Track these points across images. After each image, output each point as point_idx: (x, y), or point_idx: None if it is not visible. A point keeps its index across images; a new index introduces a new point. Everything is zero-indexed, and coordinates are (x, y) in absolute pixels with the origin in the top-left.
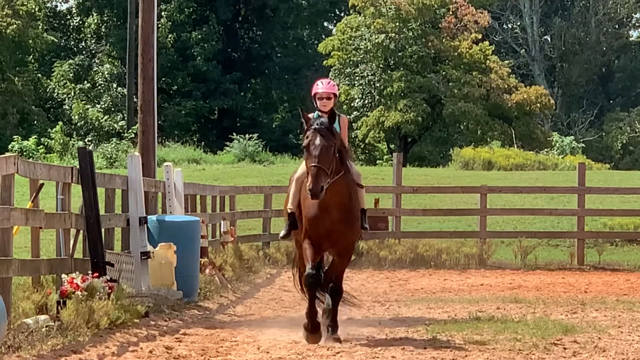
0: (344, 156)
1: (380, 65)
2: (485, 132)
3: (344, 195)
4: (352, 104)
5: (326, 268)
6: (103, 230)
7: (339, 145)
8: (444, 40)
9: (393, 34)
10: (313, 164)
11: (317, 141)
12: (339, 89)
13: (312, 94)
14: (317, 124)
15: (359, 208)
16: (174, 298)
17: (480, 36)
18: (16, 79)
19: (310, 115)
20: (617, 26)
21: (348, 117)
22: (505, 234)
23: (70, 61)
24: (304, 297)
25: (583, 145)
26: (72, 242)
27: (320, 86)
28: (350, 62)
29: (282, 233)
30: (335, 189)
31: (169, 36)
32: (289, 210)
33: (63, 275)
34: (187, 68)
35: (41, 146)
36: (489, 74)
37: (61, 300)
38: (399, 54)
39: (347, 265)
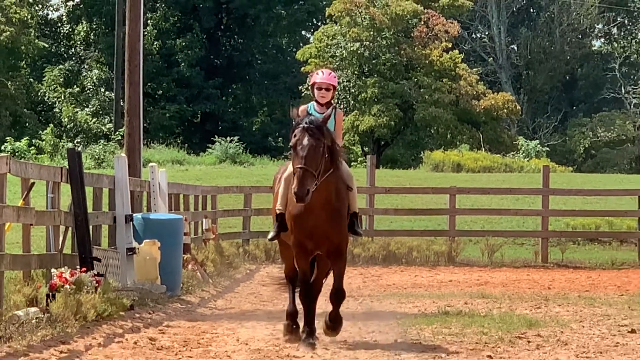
0: (335, 155)
1: (355, 72)
2: (454, 136)
3: (331, 195)
4: None
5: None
6: (91, 227)
7: (330, 145)
8: (415, 48)
9: (367, 43)
10: (299, 166)
11: (305, 141)
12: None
13: (311, 83)
14: (306, 122)
15: (346, 208)
16: (158, 292)
17: (450, 45)
18: (9, 83)
19: (303, 107)
20: (580, 36)
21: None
22: (473, 233)
23: (61, 66)
24: (286, 290)
25: (547, 149)
26: (61, 238)
27: (320, 76)
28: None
29: (270, 235)
30: (322, 189)
31: (155, 43)
32: (277, 211)
33: (52, 270)
34: (172, 74)
35: (32, 147)
36: (458, 81)
37: (51, 293)
38: (373, 61)
39: (344, 268)
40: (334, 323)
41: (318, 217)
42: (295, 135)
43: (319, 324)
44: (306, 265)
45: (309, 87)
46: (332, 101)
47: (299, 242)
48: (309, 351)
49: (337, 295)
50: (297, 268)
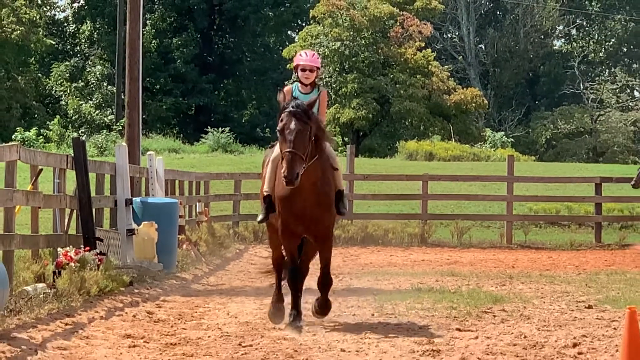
0: (321, 138)
1: (337, 69)
2: (427, 128)
3: (319, 178)
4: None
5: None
6: (94, 210)
7: (316, 129)
8: (392, 47)
9: (348, 42)
10: (288, 149)
11: (292, 125)
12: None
13: (295, 64)
14: (293, 106)
15: (333, 190)
16: (155, 269)
17: (423, 44)
18: (19, 77)
19: (288, 88)
20: (542, 37)
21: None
22: (444, 217)
23: (67, 63)
24: (274, 275)
25: (512, 139)
26: (66, 220)
27: (304, 57)
28: None
29: (259, 217)
30: (309, 173)
31: (153, 42)
32: (264, 193)
33: (59, 249)
34: (168, 70)
35: (41, 137)
36: (430, 77)
37: (57, 270)
38: (353, 59)
39: (331, 252)
40: (323, 309)
41: (306, 200)
42: (282, 120)
43: (307, 306)
44: (294, 247)
45: (294, 68)
46: (316, 81)
47: (287, 225)
48: (296, 334)
49: (325, 282)
50: (284, 253)
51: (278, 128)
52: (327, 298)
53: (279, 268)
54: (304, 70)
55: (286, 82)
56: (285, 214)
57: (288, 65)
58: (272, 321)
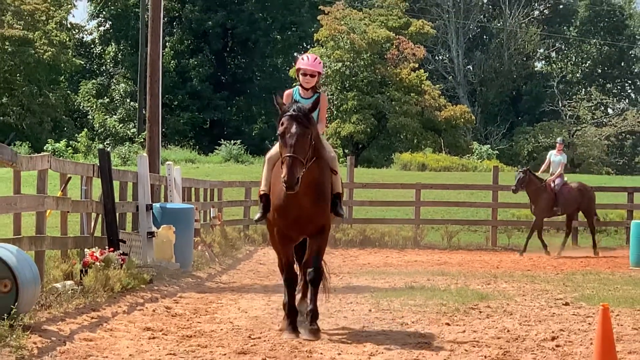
0: (318, 141)
1: (338, 87)
2: (420, 141)
3: (315, 180)
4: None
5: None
6: (117, 214)
7: (316, 133)
8: (388, 68)
9: (348, 63)
10: (288, 154)
11: (293, 129)
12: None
13: (296, 68)
14: (294, 110)
15: (329, 192)
16: (173, 268)
17: (417, 65)
18: (50, 94)
19: (289, 91)
20: (525, 59)
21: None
22: (435, 221)
23: (93, 81)
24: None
25: (497, 152)
26: (93, 223)
27: (306, 61)
28: None
29: (257, 216)
30: (308, 174)
31: (172, 62)
32: (261, 192)
33: (85, 250)
34: (186, 87)
35: (69, 148)
36: (423, 95)
37: (84, 269)
38: (353, 78)
39: (324, 248)
40: (312, 319)
41: (301, 201)
42: (282, 124)
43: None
44: (289, 252)
45: (295, 71)
46: (317, 85)
47: (282, 227)
48: (293, 337)
49: (315, 275)
50: (279, 257)
51: (279, 132)
52: (316, 306)
53: (287, 276)
54: (305, 74)
55: None
56: (278, 217)
57: (294, 84)
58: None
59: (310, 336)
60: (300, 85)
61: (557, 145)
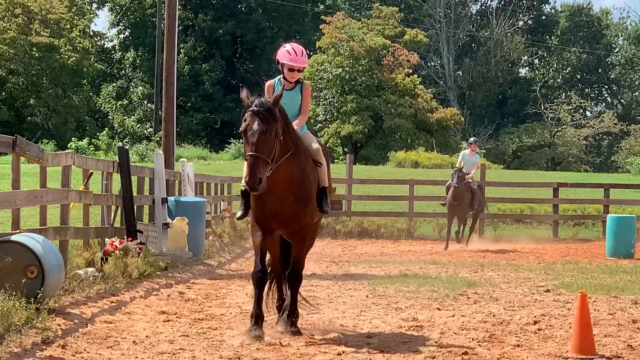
0: (292, 136)
1: (338, 91)
2: (413, 141)
3: (294, 174)
4: (317, 119)
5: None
6: (135, 207)
7: (284, 126)
8: (384, 73)
9: (348, 68)
10: (250, 153)
11: (255, 126)
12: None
13: (281, 61)
14: (256, 105)
15: (313, 187)
16: (186, 257)
17: (411, 71)
18: (74, 96)
19: (270, 83)
20: (510, 65)
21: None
22: (427, 215)
23: (114, 84)
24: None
25: (484, 151)
26: (112, 215)
27: (292, 56)
28: (317, 88)
29: (238, 214)
30: (283, 169)
31: (186, 67)
32: (242, 188)
33: (106, 239)
34: (198, 90)
35: (91, 145)
36: (417, 98)
37: (104, 257)
38: (352, 83)
39: (306, 250)
40: (291, 317)
41: (281, 196)
42: (245, 120)
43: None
44: (263, 245)
45: (277, 63)
46: (300, 78)
47: (260, 221)
48: (254, 342)
49: (293, 275)
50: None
51: (241, 129)
52: (295, 303)
53: (256, 270)
54: (291, 70)
55: None
56: (258, 211)
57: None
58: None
59: (292, 335)
60: (284, 78)
61: (471, 145)
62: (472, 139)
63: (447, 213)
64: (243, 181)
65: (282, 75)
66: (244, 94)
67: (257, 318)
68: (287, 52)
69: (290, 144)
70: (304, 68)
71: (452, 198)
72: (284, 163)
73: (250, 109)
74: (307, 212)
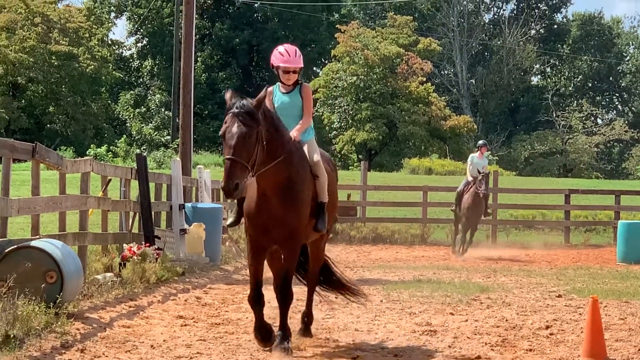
0: (281, 141)
1: (353, 99)
2: (427, 148)
3: (285, 183)
4: (332, 126)
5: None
6: (153, 213)
7: (269, 129)
8: (398, 81)
9: (362, 77)
10: (227, 156)
11: (234, 129)
12: (321, 113)
13: (275, 64)
14: (237, 107)
15: (305, 194)
16: (203, 262)
17: (424, 79)
18: (93, 104)
19: (270, 89)
20: (522, 73)
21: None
22: (441, 221)
23: (132, 92)
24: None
25: (497, 158)
26: (130, 221)
27: (285, 57)
28: (332, 96)
29: (229, 221)
30: (273, 177)
31: (203, 75)
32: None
33: (124, 245)
34: (215, 98)
35: (110, 152)
36: (430, 106)
37: (122, 262)
38: (367, 91)
39: (295, 261)
40: (282, 334)
41: (271, 206)
42: (225, 122)
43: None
44: (259, 263)
45: (272, 67)
46: (298, 79)
47: (252, 239)
48: (284, 356)
49: (282, 289)
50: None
51: (220, 132)
52: (285, 321)
53: (252, 294)
54: (287, 72)
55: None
56: (250, 223)
57: (313, 96)
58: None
59: (280, 356)
60: (281, 81)
61: (481, 148)
62: (481, 142)
63: (463, 219)
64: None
65: (279, 83)
66: (228, 95)
67: (262, 332)
68: (281, 54)
69: (280, 149)
70: (301, 69)
71: (473, 203)
72: (273, 170)
73: (231, 110)
74: (296, 216)
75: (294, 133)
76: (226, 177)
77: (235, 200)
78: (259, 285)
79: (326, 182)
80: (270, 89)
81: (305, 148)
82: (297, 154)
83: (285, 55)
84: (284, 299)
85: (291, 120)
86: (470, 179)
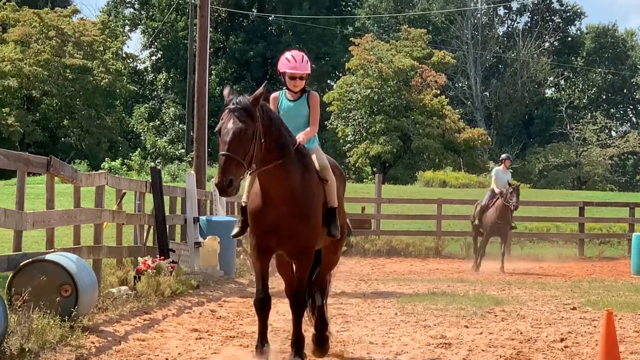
0: (282, 141)
1: (367, 112)
2: (441, 160)
3: (290, 185)
4: (346, 139)
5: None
6: (167, 226)
7: (269, 128)
8: (412, 94)
9: (376, 89)
10: (222, 152)
11: (230, 124)
12: (335, 126)
13: (281, 70)
14: (234, 103)
15: (316, 202)
16: (218, 275)
17: (438, 92)
18: (107, 117)
19: (275, 95)
20: (536, 86)
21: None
22: (455, 233)
23: (146, 105)
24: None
25: (511, 170)
26: (145, 234)
27: (292, 63)
28: (346, 109)
29: (234, 232)
30: (275, 178)
31: (217, 88)
32: (242, 204)
33: (139, 258)
34: None
35: (124, 166)
36: (444, 119)
37: (137, 275)
38: (381, 103)
39: (307, 271)
40: (295, 346)
41: (278, 212)
42: (221, 119)
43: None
44: (264, 267)
45: (279, 74)
46: (306, 86)
47: (257, 239)
48: None
49: (295, 302)
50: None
51: (216, 128)
52: (300, 332)
53: (259, 296)
54: (293, 78)
55: (326, 123)
56: (253, 225)
57: (327, 108)
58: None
59: None
60: (288, 88)
61: (504, 161)
62: (504, 155)
63: (486, 232)
64: (244, 197)
65: (285, 89)
66: (226, 92)
67: (262, 342)
68: (287, 60)
69: (282, 150)
70: (308, 75)
71: (499, 216)
72: (274, 171)
73: (228, 107)
74: (308, 229)
75: (300, 136)
76: (220, 173)
77: (240, 209)
78: (265, 287)
79: (335, 187)
80: (274, 94)
81: (310, 153)
82: (302, 157)
83: (291, 61)
84: (297, 307)
85: (295, 129)
86: (497, 191)
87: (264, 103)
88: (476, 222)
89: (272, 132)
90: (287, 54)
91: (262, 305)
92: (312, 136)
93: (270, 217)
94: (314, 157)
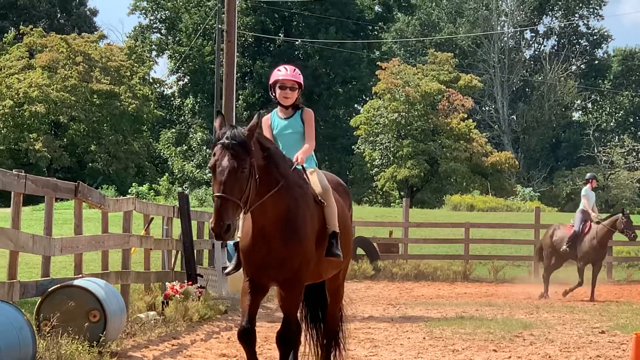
0: (279, 170)
1: (394, 136)
2: (468, 184)
3: (283, 214)
4: (373, 163)
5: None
6: (195, 251)
7: (266, 161)
8: (440, 118)
9: (403, 113)
10: (217, 193)
11: (225, 162)
12: (363, 150)
13: (272, 81)
14: (228, 137)
15: (309, 225)
16: None
17: (465, 115)
18: (134, 142)
19: (267, 117)
20: (563, 109)
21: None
22: (482, 257)
23: (173, 130)
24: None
25: (538, 194)
26: (173, 259)
27: (283, 72)
28: (373, 133)
29: (228, 269)
30: (271, 207)
31: (244, 113)
32: (237, 239)
33: (166, 283)
34: None
35: (152, 191)
36: (471, 142)
37: (165, 301)
38: (408, 127)
39: (295, 304)
40: None
41: (270, 243)
42: (214, 155)
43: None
44: (254, 303)
45: (270, 87)
46: (298, 101)
47: (252, 276)
48: None
49: (282, 337)
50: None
51: (209, 164)
52: None
53: (241, 329)
54: (283, 87)
55: (353, 147)
56: (247, 262)
57: (355, 132)
58: None
59: None
60: (278, 103)
61: (592, 181)
62: (589, 175)
63: (582, 260)
64: (239, 231)
65: (277, 108)
66: (217, 123)
67: None
68: (278, 70)
69: (276, 179)
70: (300, 85)
71: (599, 245)
72: (270, 201)
73: (221, 141)
74: (298, 257)
75: (299, 154)
76: (216, 218)
77: (234, 245)
78: (251, 319)
79: (335, 210)
80: (266, 117)
81: (309, 174)
82: (295, 181)
83: (282, 70)
84: (283, 346)
85: (290, 148)
86: (593, 214)
87: (258, 134)
88: (565, 248)
89: (267, 165)
90: (280, 67)
91: (245, 338)
92: (310, 153)
93: (262, 251)
94: (313, 178)
